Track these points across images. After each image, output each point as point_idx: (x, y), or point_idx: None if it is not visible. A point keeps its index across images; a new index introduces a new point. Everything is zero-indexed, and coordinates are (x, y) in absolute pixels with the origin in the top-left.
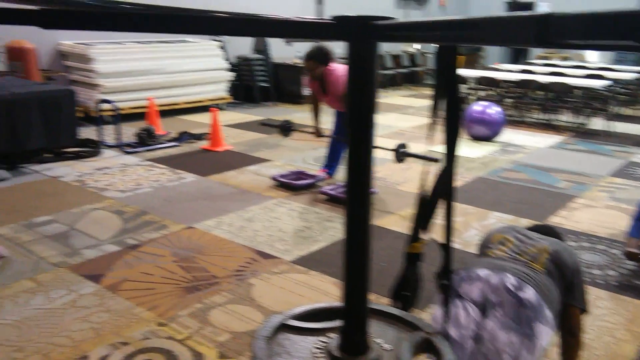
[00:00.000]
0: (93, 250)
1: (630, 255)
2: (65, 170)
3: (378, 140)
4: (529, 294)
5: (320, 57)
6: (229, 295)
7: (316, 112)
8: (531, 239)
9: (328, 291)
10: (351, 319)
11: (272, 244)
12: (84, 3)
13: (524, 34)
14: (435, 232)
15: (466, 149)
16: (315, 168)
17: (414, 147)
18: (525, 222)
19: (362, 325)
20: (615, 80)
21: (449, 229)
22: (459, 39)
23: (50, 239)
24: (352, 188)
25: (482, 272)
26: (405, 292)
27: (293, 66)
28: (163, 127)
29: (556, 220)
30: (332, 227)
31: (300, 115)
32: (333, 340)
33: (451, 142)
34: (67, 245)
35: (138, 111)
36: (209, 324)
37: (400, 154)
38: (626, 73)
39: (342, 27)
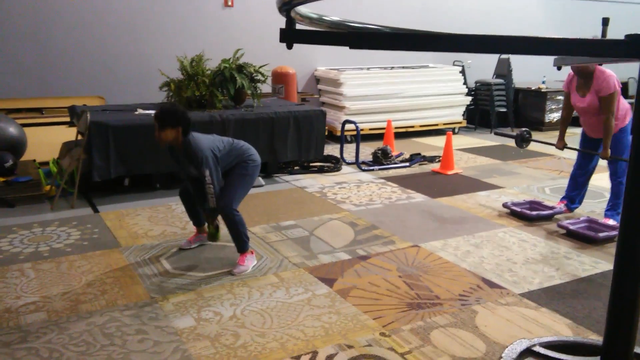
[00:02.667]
0: (328, 256)
1: None
2: (310, 182)
3: None
4: None
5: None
6: (451, 318)
7: (564, 123)
8: None
9: (559, 331)
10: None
11: (499, 273)
12: (380, 28)
13: None
14: None
15: None
16: (553, 200)
17: None
18: None
19: None
20: None
21: None
22: None
23: (293, 241)
24: (630, 220)
25: None
26: None
27: (536, 91)
28: (397, 148)
29: None
30: (569, 264)
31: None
32: None
33: None
34: (307, 248)
35: (377, 132)
36: (429, 342)
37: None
38: None
39: (636, 44)
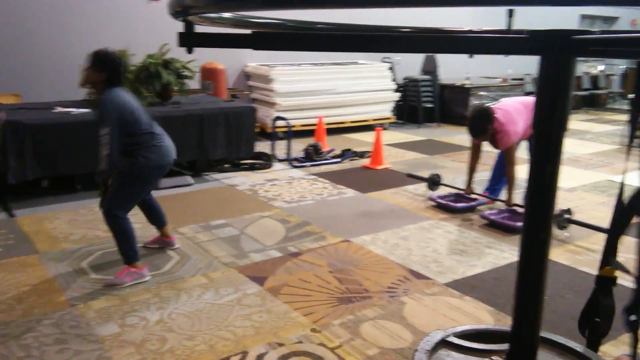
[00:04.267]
0: (259, 255)
1: None
2: (241, 180)
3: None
4: None
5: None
6: (380, 310)
7: (472, 170)
8: None
9: (482, 319)
10: (520, 345)
11: (426, 264)
12: (286, 25)
13: None
14: (628, 260)
15: None
16: (477, 191)
17: (591, 176)
18: None
19: (532, 354)
20: None
21: None
22: None
23: (223, 240)
24: (533, 211)
25: None
26: (595, 319)
27: (461, 87)
28: (328, 144)
29: None
30: (490, 253)
31: (462, 137)
32: None
33: None
34: (237, 248)
35: (308, 128)
36: (359, 336)
37: (563, 220)
38: None
39: (538, 41)
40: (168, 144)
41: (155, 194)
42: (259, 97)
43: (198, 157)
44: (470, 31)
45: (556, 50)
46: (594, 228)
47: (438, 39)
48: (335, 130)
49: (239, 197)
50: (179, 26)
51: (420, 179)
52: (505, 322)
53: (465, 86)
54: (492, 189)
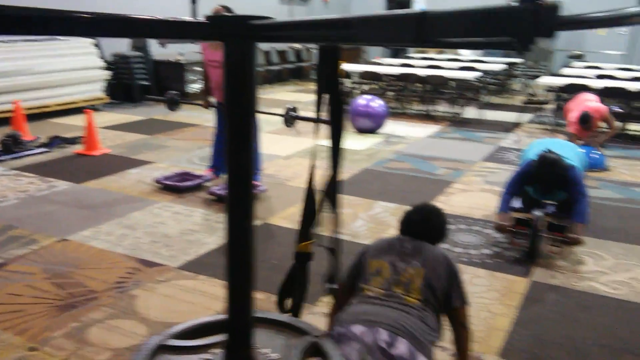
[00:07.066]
0: None
1: (499, 228)
2: None
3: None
4: (401, 349)
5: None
6: (110, 310)
7: (207, 83)
8: (405, 258)
9: (219, 295)
10: (235, 333)
11: (156, 250)
12: None
13: (402, 33)
14: (323, 234)
15: (352, 141)
16: (201, 168)
17: (304, 143)
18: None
19: (247, 339)
20: (485, 72)
21: (336, 231)
22: (336, 39)
23: None
24: (233, 192)
25: (357, 330)
26: (293, 293)
27: (175, 63)
28: (31, 133)
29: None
30: (220, 229)
31: (184, 113)
32: (217, 356)
33: (336, 142)
34: None
35: (2, 116)
36: (87, 343)
37: (290, 117)
38: (495, 64)
39: (217, 27)
40: None
41: None
42: None
43: None
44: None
45: (235, 36)
46: (317, 121)
47: (119, 22)
48: (38, 115)
49: None
50: None
51: (160, 100)
52: None
53: (180, 62)
54: (215, 164)
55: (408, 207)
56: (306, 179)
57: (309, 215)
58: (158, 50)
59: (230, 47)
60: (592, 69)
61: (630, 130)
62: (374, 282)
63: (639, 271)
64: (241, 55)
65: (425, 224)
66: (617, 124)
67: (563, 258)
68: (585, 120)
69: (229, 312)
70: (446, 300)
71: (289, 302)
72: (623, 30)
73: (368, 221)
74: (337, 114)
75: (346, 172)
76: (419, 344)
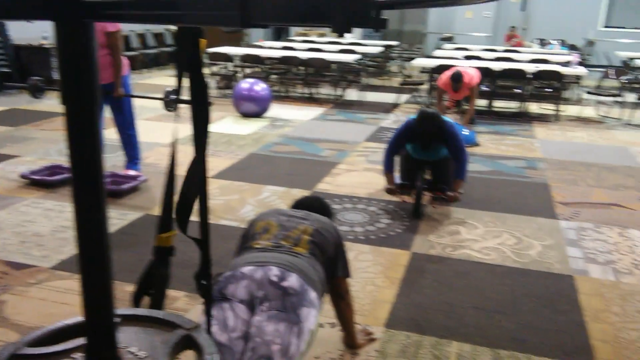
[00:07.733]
0: None
1: (389, 192)
2: None
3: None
4: (291, 281)
5: None
6: None
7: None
8: (293, 219)
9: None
10: (96, 334)
11: (26, 251)
12: None
13: (228, 15)
14: (192, 226)
15: (237, 126)
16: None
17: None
18: (297, 192)
19: (110, 339)
20: (365, 54)
21: (205, 222)
22: (166, 20)
23: None
24: (80, 189)
25: (247, 269)
26: (151, 291)
27: (39, 48)
28: None
29: (322, 186)
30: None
31: (52, 102)
32: None
33: (200, 129)
34: None
35: None
36: None
37: (170, 101)
38: (373, 47)
39: (47, 6)
40: None
41: None
42: None
43: None
44: None
45: (68, 15)
46: (184, 102)
47: None
48: None
49: None
50: None
51: (20, 88)
52: (126, 290)
53: (45, 46)
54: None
55: (296, 190)
56: (166, 165)
57: (169, 204)
58: (19, 34)
59: (64, 27)
60: (461, 50)
61: (495, 107)
62: (262, 238)
63: (507, 236)
64: (76, 38)
65: (312, 202)
66: (477, 102)
67: (441, 225)
68: (457, 78)
69: (87, 313)
70: (331, 266)
71: (146, 303)
72: (487, 13)
73: (257, 206)
74: (199, 95)
75: (233, 158)
76: (309, 280)
